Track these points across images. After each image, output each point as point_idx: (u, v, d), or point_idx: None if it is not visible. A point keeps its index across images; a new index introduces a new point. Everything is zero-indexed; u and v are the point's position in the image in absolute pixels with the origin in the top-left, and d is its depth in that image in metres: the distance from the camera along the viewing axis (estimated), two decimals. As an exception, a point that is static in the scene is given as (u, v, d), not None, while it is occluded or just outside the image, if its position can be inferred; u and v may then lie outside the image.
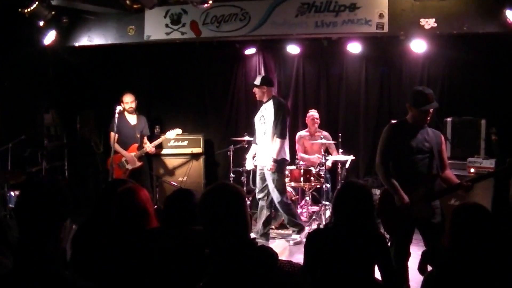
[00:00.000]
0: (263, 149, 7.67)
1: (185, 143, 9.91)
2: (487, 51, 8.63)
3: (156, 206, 7.50)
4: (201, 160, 9.96)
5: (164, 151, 9.76)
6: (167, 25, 8.70)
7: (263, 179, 7.72)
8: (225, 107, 10.61)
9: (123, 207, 3.65)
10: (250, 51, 10.08)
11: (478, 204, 3.43)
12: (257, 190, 7.87)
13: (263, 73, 9.98)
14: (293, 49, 9.67)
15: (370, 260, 3.92)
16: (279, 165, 7.57)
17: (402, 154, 5.14)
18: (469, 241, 3.25)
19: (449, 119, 8.24)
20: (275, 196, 7.62)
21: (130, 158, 8.55)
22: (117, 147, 8.40)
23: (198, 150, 9.97)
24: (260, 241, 7.33)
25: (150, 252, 3.41)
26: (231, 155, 9.29)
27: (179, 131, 8.94)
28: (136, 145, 8.70)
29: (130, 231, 3.58)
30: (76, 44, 9.11)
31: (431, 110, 5.13)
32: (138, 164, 8.65)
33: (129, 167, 8.57)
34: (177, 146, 9.83)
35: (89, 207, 4.13)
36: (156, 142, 8.80)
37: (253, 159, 8.07)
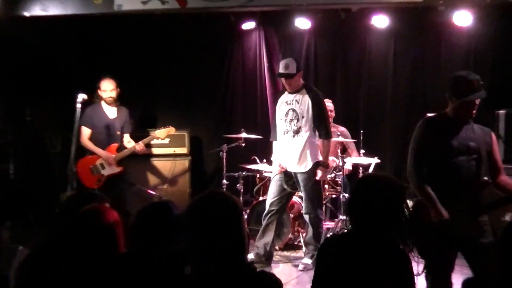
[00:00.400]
0: (292, 152, 7.55)
1: (166, 141, 9.67)
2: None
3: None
4: (187, 162, 9.90)
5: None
6: (143, -8, 8.73)
7: (282, 187, 7.72)
8: (217, 97, 10.63)
9: (85, 231, 3.63)
10: (248, 25, 10.08)
11: None
12: (271, 199, 7.78)
13: (264, 53, 10.22)
14: (302, 23, 9.61)
15: (389, 283, 3.58)
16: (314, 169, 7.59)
17: (441, 156, 5.02)
18: None
19: (502, 112, 8.17)
20: (309, 207, 7.62)
21: (110, 159, 8.23)
22: (91, 145, 8.20)
23: (183, 150, 9.93)
24: (260, 266, 7.29)
25: (116, 283, 3.36)
26: (224, 157, 9.20)
27: (171, 129, 8.72)
28: (116, 145, 8.40)
29: (93, 259, 3.55)
30: (26, 14, 8.97)
31: (477, 101, 4.99)
32: (117, 169, 8.30)
33: (105, 172, 8.23)
34: (156, 145, 9.70)
35: (41, 223, 4.11)
36: (147, 140, 8.56)
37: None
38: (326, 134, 7.39)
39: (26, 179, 9.73)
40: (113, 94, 8.30)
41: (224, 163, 9.19)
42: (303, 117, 7.38)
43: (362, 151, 8.80)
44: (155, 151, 9.76)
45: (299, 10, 9.09)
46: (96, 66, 9.62)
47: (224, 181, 9.14)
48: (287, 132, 7.52)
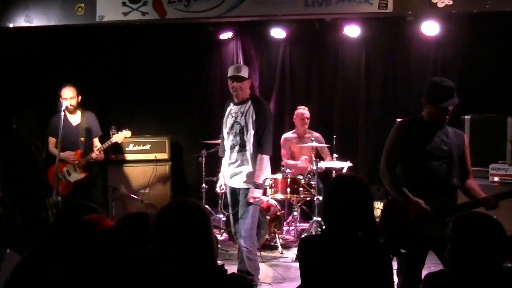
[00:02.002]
0: (239, 167, 6.81)
1: (148, 147, 9.78)
2: (514, 34, 8.63)
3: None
4: (167, 167, 9.89)
5: (122, 158, 9.68)
6: (124, 3, 8.59)
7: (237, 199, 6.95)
8: (196, 104, 10.56)
9: (84, 240, 3.58)
10: (226, 35, 10.07)
11: (485, 214, 3.29)
12: (232, 212, 7.08)
13: (241, 62, 10.03)
14: (278, 33, 9.68)
15: (371, 278, 3.63)
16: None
17: (414, 159, 5.05)
18: (471, 263, 3.07)
19: (467, 117, 8.18)
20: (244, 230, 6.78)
21: (71, 157, 8.12)
22: (55, 151, 8.02)
23: (164, 155, 9.90)
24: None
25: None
26: (204, 162, 9.29)
27: (127, 133, 8.49)
28: (80, 151, 8.21)
29: (90, 267, 3.48)
30: (11, 25, 8.93)
31: (450, 107, 5.01)
32: (83, 175, 8.16)
33: (72, 179, 8.15)
34: (138, 151, 9.74)
35: (29, 227, 4.03)
36: (103, 147, 8.31)
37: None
38: (264, 149, 6.61)
39: (13, 184, 9.54)
40: (73, 102, 8.13)
41: (204, 168, 9.22)
42: (247, 130, 6.65)
43: (336, 155, 8.84)
44: (137, 156, 9.70)
45: (275, 20, 9.13)
46: (79, 75, 9.51)
47: (204, 185, 9.18)
48: (234, 147, 6.77)
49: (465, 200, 5.15)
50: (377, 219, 8.77)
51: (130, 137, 8.74)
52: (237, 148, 6.74)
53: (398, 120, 8.42)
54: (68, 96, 8.09)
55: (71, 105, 8.09)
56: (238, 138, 6.72)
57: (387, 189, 5.21)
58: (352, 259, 3.55)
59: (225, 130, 6.87)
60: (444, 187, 5.01)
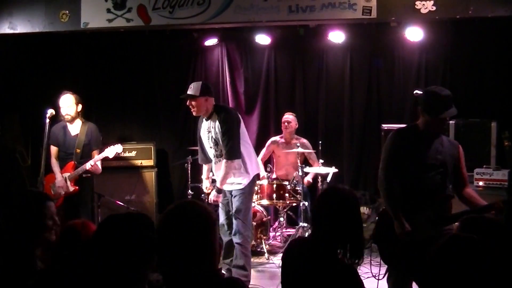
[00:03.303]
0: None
1: (133, 153, 9.73)
2: (497, 40, 8.73)
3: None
4: (153, 174, 9.82)
5: (107, 164, 9.37)
6: (109, 10, 8.57)
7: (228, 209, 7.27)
8: (181, 110, 10.34)
9: (68, 246, 3.56)
10: (210, 41, 10.06)
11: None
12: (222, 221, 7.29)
13: (226, 68, 10.20)
14: (262, 39, 9.69)
15: None
16: (251, 186, 7.19)
17: (409, 169, 5.04)
18: None
19: (451, 122, 8.20)
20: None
21: (59, 181, 7.74)
22: (54, 165, 7.82)
23: (149, 162, 9.84)
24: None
25: None
26: (189, 168, 9.20)
27: (119, 148, 8.18)
28: (73, 163, 7.84)
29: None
30: None
31: (445, 127, 5.20)
32: (72, 188, 7.78)
33: (62, 191, 7.76)
34: (123, 157, 9.63)
35: None
36: (97, 158, 7.89)
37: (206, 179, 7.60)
38: (229, 155, 6.79)
39: None
40: (70, 110, 7.74)
41: (189, 174, 9.16)
42: (219, 140, 6.90)
43: (321, 161, 8.85)
44: (123, 163, 9.64)
45: (259, 26, 9.10)
46: (64, 81, 9.42)
47: (189, 191, 9.11)
48: (217, 157, 7.03)
49: (460, 209, 5.11)
50: (364, 225, 8.88)
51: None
52: (219, 158, 7.02)
53: (383, 126, 8.57)
54: (65, 104, 7.74)
55: (67, 114, 7.74)
56: (217, 149, 7.01)
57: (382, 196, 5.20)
58: (318, 271, 3.57)
59: (207, 144, 7.13)
60: (438, 196, 5.00)
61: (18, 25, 8.75)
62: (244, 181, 7.01)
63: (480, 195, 5.17)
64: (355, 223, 3.69)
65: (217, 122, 6.86)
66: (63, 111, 7.72)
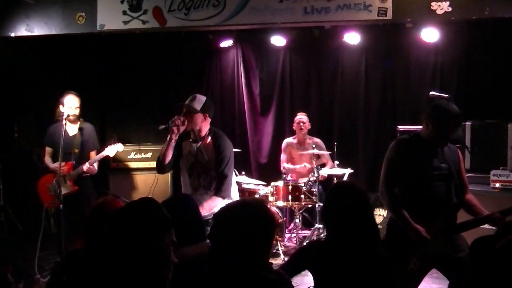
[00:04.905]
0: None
1: (149, 155, 9.72)
2: (514, 40, 8.67)
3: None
4: (169, 175, 9.63)
5: (124, 166, 9.52)
6: (124, 12, 8.61)
7: None
8: None
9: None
10: (226, 43, 10.06)
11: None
12: None
13: (241, 69, 10.19)
14: (277, 40, 9.68)
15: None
16: None
17: (414, 178, 4.94)
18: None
19: (468, 123, 8.11)
20: None
21: (55, 165, 7.62)
22: (48, 163, 7.86)
23: None
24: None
25: None
26: None
27: (120, 147, 8.09)
28: (71, 163, 7.79)
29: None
30: (12, 35, 8.99)
31: (450, 136, 4.99)
32: (72, 188, 7.74)
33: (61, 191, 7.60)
34: (139, 159, 9.69)
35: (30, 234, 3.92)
36: (94, 160, 7.84)
37: None
38: (222, 191, 5.57)
39: (15, 193, 9.52)
40: (77, 111, 7.76)
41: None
42: (211, 169, 5.71)
43: (336, 162, 8.84)
44: (139, 165, 9.66)
45: (274, 28, 9.13)
46: (80, 83, 9.38)
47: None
48: (198, 189, 5.81)
49: (463, 216, 5.06)
50: (380, 226, 8.83)
51: (131, 145, 8.67)
52: (202, 190, 5.80)
53: (398, 127, 8.53)
54: (73, 105, 7.71)
55: (74, 114, 7.72)
56: (202, 179, 5.83)
57: (386, 209, 5.14)
58: (354, 269, 3.56)
59: (187, 171, 5.91)
60: (445, 205, 4.92)
61: (35, 27, 8.86)
62: None
63: (496, 197, 5.15)
64: (368, 216, 3.70)
65: (213, 147, 5.75)
66: (70, 111, 7.65)
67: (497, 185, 7.45)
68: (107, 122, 10.04)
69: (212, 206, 5.45)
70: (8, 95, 9.74)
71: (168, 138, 5.65)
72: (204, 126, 5.77)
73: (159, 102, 10.53)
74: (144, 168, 9.69)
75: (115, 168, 9.54)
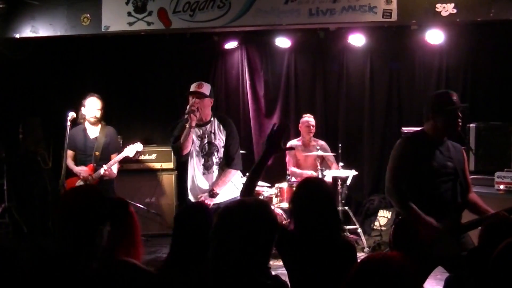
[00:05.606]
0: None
1: (153, 156, 9.79)
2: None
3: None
4: (173, 177, 9.85)
5: (128, 167, 9.45)
6: (129, 14, 8.58)
7: None
8: None
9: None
10: (231, 45, 10.09)
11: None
12: None
13: (246, 71, 10.24)
14: (282, 42, 9.67)
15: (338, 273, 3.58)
16: None
17: (420, 177, 4.86)
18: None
19: (472, 125, 8.10)
20: None
21: (83, 173, 7.57)
22: (71, 165, 7.66)
23: (169, 165, 9.86)
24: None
25: None
26: None
27: (139, 146, 8.09)
28: (92, 166, 7.68)
29: None
30: (17, 36, 8.96)
31: (459, 120, 4.85)
32: None
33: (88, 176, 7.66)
34: (144, 160, 9.71)
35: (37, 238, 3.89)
36: (113, 162, 7.77)
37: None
38: (235, 164, 6.24)
39: (20, 194, 9.51)
40: (98, 114, 7.67)
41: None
42: (221, 147, 6.28)
43: (341, 164, 8.81)
44: (143, 166, 9.70)
45: (280, 29, 9.12)
46: (85, 85, 9.46)
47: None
48: (209, 167, 6.31)
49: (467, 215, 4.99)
50: (383, 228, 8.81)
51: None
52: (215, 167, 6.31)
53: (403, 129, 8.51)
54: (95, 107, 7.65)
55: (95, 116, 7.65)
56: (214, 158, 6.30)
57: (395, 207, 5.06)
58: (320, 256, 3.71)
59: (194, 152, 6.35)
60: (452, 204, 4.87)
61: (40, 29, 8.81)
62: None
63: (500, 199, 5.11)
64: (331, 209, 3.90)
65: (221, 128, 6.31)
66: (92, 113, 7.60)
67: (502, 187, 7.39)
68: (111, 124, 10.02)
69: (226, 180, 6.21)
70: (13, 97, 9.72)
71: (187, 126, 5.97)
72: (209, 110, 6.31)
73: (164, 104, 10.53)
74: (148, 169, 9.75)
75: (120, 170, 9.37)
